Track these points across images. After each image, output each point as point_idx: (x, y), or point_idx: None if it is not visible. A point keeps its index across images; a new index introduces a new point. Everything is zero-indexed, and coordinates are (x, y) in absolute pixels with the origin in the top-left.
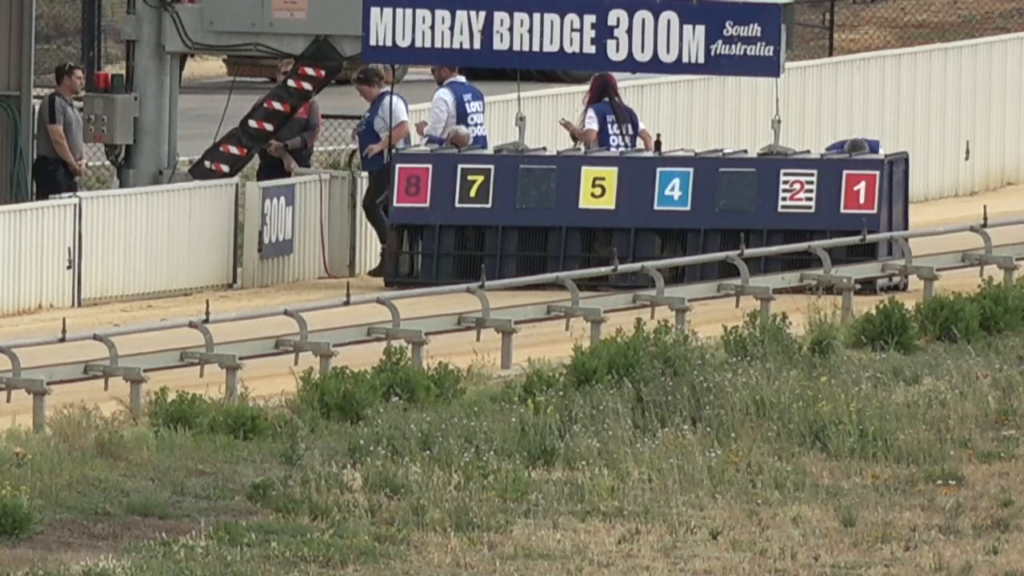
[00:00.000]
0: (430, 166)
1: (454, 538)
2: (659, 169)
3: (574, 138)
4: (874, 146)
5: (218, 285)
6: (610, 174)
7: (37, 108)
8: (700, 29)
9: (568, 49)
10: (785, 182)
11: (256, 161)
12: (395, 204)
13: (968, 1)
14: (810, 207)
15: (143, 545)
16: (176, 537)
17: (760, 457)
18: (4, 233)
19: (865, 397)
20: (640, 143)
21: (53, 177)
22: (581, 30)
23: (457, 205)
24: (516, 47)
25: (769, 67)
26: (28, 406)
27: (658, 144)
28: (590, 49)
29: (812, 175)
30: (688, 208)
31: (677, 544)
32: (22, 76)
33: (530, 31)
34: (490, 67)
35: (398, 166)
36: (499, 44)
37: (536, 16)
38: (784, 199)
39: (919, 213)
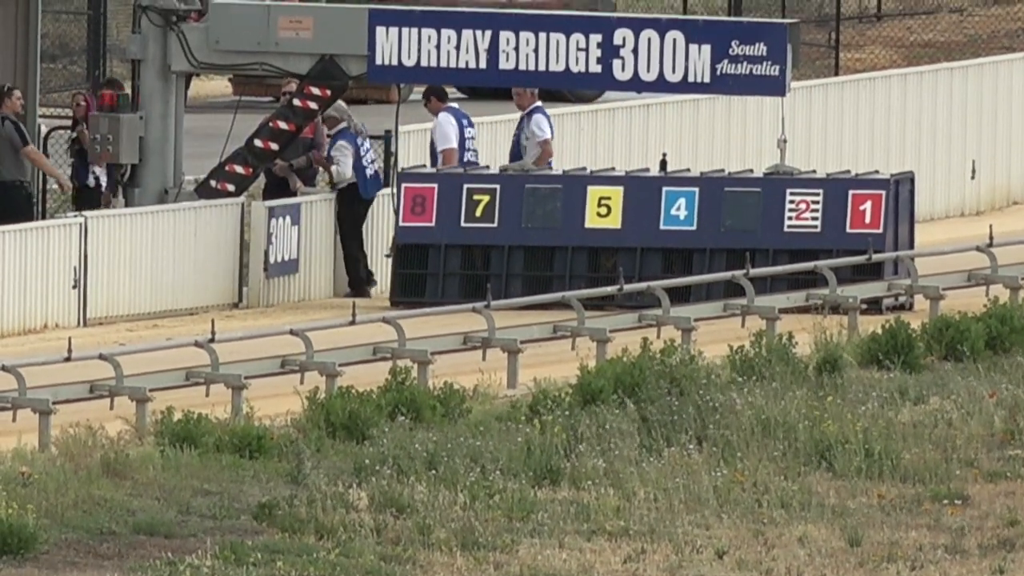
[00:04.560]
0: (436, 185)
1: (460, 558)
2: (665, 189)
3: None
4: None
5: (223, 304)
6: (616, 193)
7: None
8: (706, 48)
9: (574, 68)
10: (791, 202)
11: (262, 180)
12: (401, 223)
13: (974, 21)
14: (816, 227)
15: (149, 564)
16: (182, 556)
17: (766, 477)
18: (10, 252)
19: (871, 416)
20: None
21: (29, 201)
22: (587, 49)
23: (463, 224)
24: (522, 66)
25: (775, 86)
26: (34, 425)
27: (664, 164)
28: (596, 68)
29: (818, 195)
30: (694, 228)
31: (683, 564)
32: (27, 95)
33: (535, 50)
34: (496, 86)
35: (404, 185)
36: (505, 63)
37: (542, 35)
38: (790, 219)
39: (925, 233)
